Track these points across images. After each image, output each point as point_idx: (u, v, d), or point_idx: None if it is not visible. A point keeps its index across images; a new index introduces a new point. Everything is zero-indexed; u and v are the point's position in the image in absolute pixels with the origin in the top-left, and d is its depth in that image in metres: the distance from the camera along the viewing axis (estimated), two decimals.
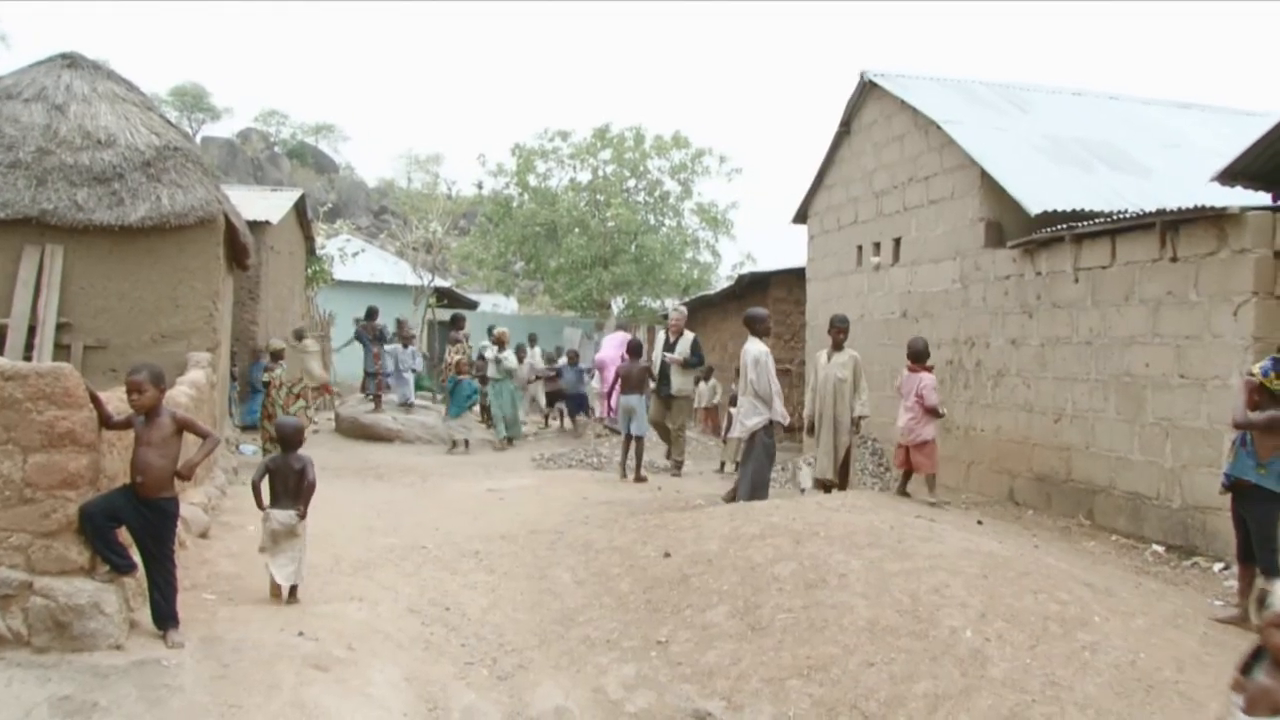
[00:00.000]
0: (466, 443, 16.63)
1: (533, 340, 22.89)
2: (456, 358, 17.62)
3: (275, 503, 6.83)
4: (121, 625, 5.44)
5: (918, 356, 10.62)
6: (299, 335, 18.07)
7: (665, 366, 13.90)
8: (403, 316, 23.57)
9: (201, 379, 9.52)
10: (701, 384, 19.55)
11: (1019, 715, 5.32)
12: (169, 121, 11.97)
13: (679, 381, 13.80)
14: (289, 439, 7.02)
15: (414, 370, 19.37)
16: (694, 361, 14.10)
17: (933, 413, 10.44)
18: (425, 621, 6.71)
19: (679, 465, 14.29)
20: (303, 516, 6.75)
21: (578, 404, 19.53)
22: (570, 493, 11.76)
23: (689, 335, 14.14)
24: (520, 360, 18.10)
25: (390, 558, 8.25)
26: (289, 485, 6.83)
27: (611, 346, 17.60)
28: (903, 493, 10.56)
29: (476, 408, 17.96)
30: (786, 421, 10.75)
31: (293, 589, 6.72)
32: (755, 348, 10.84)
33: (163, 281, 10.64)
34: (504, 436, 17.42)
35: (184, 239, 10.67)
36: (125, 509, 5.61)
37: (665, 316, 29.12)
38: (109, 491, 5.65)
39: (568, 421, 20.01)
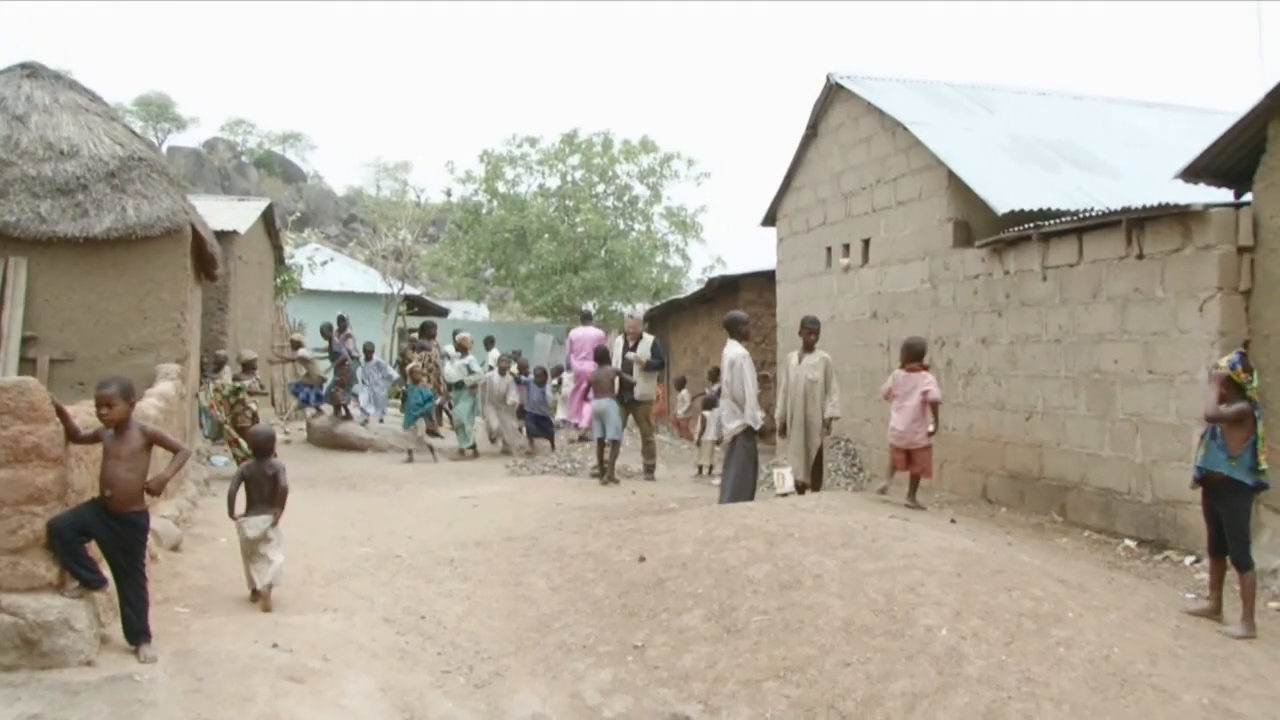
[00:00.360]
0: (431, 450, 16.42)
1: (489, 344, 22.76)
2: (411, 364, 17.49)
3: (250, 509, 7.00)
4: (92, 641, 5.38)
5: (917, 355, 10.42)
6: (296, 344, 18.80)
7: (628, 372, 13.99)
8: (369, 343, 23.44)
9: (170, 391, 9.45)
10: (680, 393, 19.53)
11: (995, 712, 5.34)
12: (133, 132, 11.90)
13: (642, 386, 13.93)
14: (262, 446, 7.23)
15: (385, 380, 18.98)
16: (655, 364, 14.21)
17: (936, 409, 10.30)
18: (400, 631, 6.68)
19: (651, 469, 14.35)
20: (276, 521, 6.92)
21: (539, 424, 17.44)
22: (544, 499, 11.74)
23: (648, 339, 14.24)
24: (501, 372, 17.34)
25: (365, 567, 8.21)
26: (263, 492, 7.03)
27: (587, 344, 16.97)
28: (912, 499, 10.26)
29: (433, 415, 17.60)
30: (759, 425, 10.72)
31: (254, 591, 6.88)
32: (733, 350, 10.81)
33: (130, 293, 10.56)
34: (467, 445, 16.96)
35: (150, 250, 10.60)
36: (95, 523, 5.56)
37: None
38: (78, 506, 5.59)
39: (522, 440, 17.69)
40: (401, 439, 17.09)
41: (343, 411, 18.15)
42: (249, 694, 5.26)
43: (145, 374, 10.07)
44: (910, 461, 10.35)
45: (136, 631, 5.61)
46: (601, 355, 13.97)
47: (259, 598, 6.87)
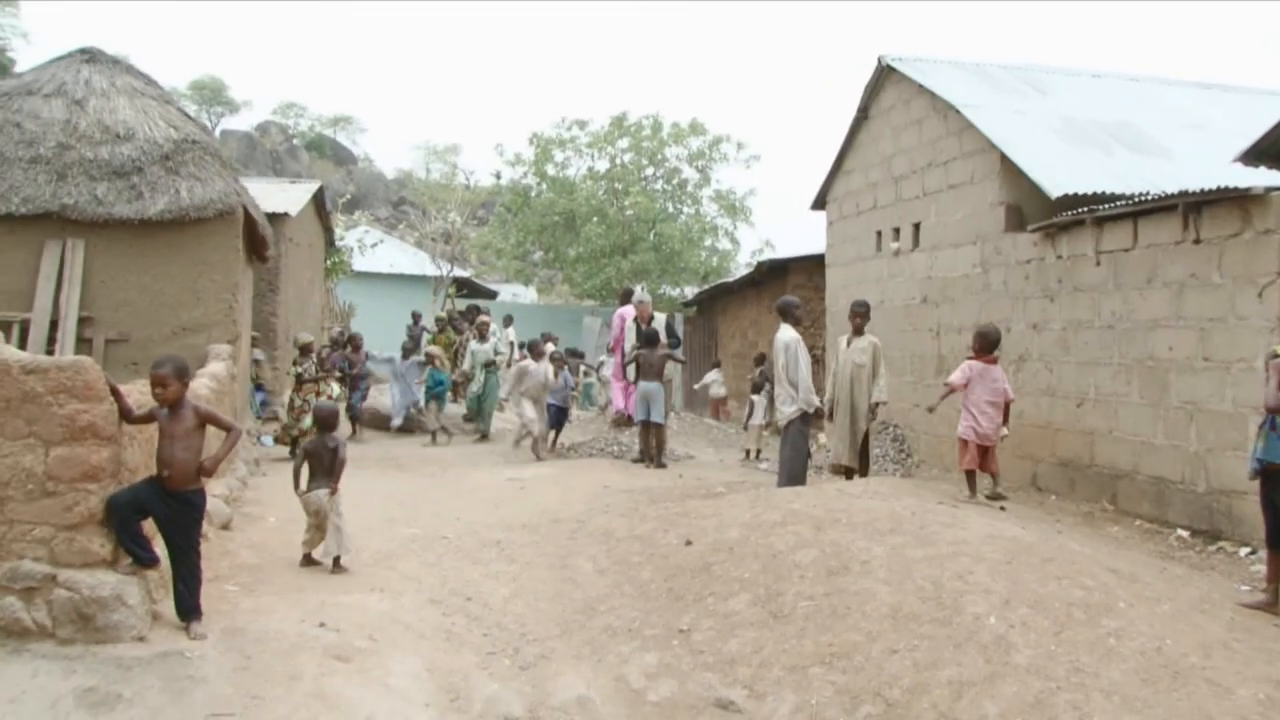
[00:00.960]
0: (447, 431, 16.46)
1: (507, 322, 22.91)
2: (428, 349, 17.59)
3: (313, 483, 7.41)
4: (144, 617, 5.46)
5: (992, 345, 9.88)
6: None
7: (637, 358, 13.83)
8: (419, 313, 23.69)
9: (222, 371, 9.56)
10: (711, 374, 19.41)
11: (1044, 702, 5.28)
12: (187, 115, 12.02)
13: (680, 360, 13.90)
14: (325, 421, 7.75)
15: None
16: (674, 343, 14.18)
17: (1008, 409, 9.91)
18: (447, 612, 6.71)
19: (661, 454, 13.93)
20: (334, 492, 7.32)
21: (557, 417, 15.67)
22: (590, 481, 11.75)
23: (660, 318, 14.18)
24: (537, 357, 15.62)
25: (412, 548, 8.27)
26: (324, 464, 7.43)
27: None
28: (996, 495, 9.90)
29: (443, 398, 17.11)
30: (813, 409, 10.66)
31: (336, 560, 7.29)
32: (786, 334, 10.76)
33: (183, 274, 10.69)
34: (486, 429, 16.94)
35: (203, 232, 10.72)
36: (152, 501, 5.64)
37: (686, 305, 29.20)
38: (136, 484, 5.67)
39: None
40: (450, 421, 17.17)
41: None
42: (296, 672, 5.31)
43: (197, 354, 10.19)
44: (986, 460, 9.87)
45: (188, 609, 5.68)
46: (650, 338, 13.83)
47: (336, 568, 7.30)
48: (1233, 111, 15.04)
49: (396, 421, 17.36)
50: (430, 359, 17.00)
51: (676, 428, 15.85)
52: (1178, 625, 6.24)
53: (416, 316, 22.86)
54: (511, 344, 22.35)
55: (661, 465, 13.28)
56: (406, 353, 17.98)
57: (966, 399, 9.78)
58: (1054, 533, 8.53)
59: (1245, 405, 8.87)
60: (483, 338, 17.48)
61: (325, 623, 6.09)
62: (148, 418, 5.76)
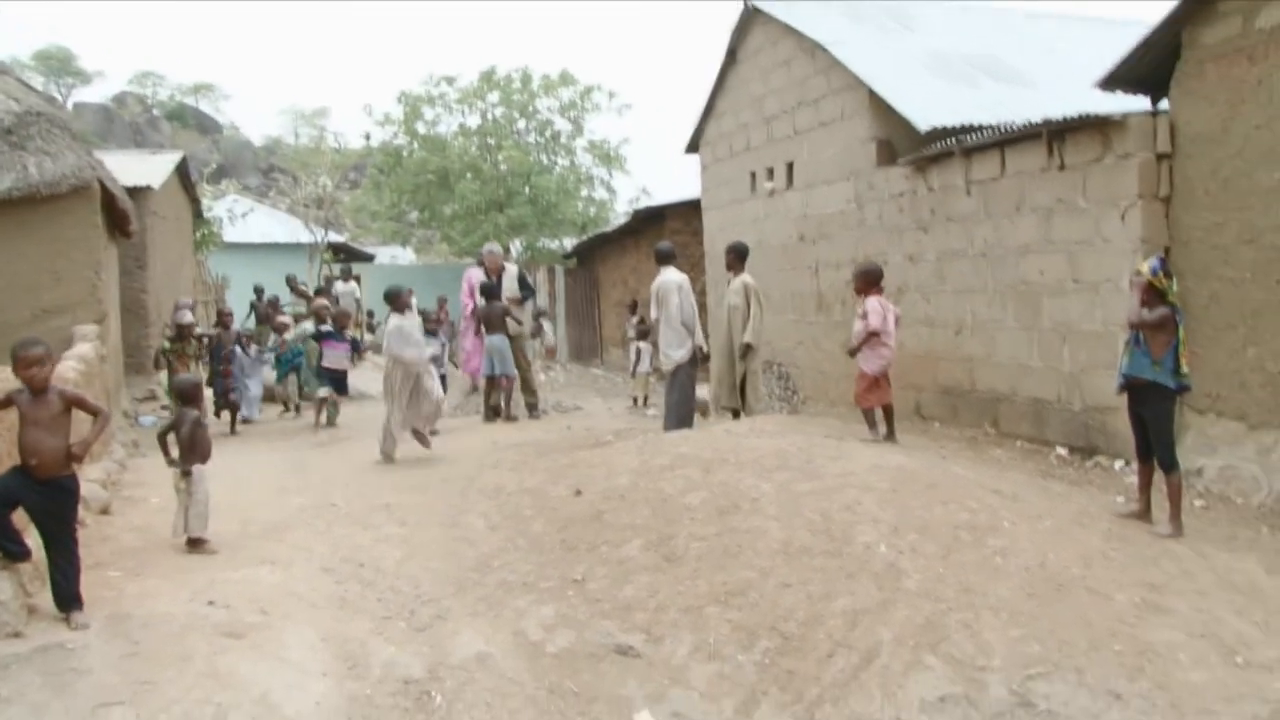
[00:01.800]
0: (296, 408, 15.61)
1: (346, 275, 23.01)
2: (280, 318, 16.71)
3: (183, 458, 7.19)
4: (19, 612, 5.25)
5: (875, 280, 9.70)
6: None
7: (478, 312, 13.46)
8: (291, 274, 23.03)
9: (90, 352, 9.23)
10: (544, 324, 18.98)
11: (935, 623, 5.41)
12: (29, 86, 11.50)
13: (518, 319, 13.40)
14: (184, 393, 7.55)
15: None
16: (527, 295, 13.93)
17: (873, 337, 9.50)
18: (339, 579, 6.59)
19: (534, 407, 13.77)
20: (187, 472, 7.10)
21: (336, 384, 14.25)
22: (479, 438, 11.66)
23: (512, 269, 13.82)
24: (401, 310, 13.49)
25: (301, 517, 8.11)
26: (182, 440, 7.20)
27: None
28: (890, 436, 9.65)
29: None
30: (704, 350, 10.71)
31: (190, 540, 7.06)
32: (676, 276, 10.78)
33: (39, 254, 10.24)
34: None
35: (58, 209, 10.27)
36: (21, 491, 5.41)
37: (566, 256, 29.05)
38: (2, 475, 5.43)
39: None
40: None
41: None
42: (187, 653, 5.17)
43: (62, 336, 9.81)
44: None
45: (68, 598, 5.48)
46: (489, 290, 13.38)
47: (193, 547, 7.02)
48: (1092, 41, 15.38)
49: (249, 413, 15.11)
50: (281, 328, 15.96)
51: (549, 380, 15.78)
52: (1059, 540, 6.45)
53: (259, 290, 21.31)
54: (357, 301, 21.98)
55: (512, 419, 13.09)
56: (246, 342, 15.22)
57: (882, 336, 9.51)
58: (939, 459, 8.72)
59: (1114, 324, 9.14)
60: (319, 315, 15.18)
61: (215, 600, 5.94)
62: (6, 403, 5.52)
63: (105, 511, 7.83)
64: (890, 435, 9.60)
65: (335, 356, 14.00)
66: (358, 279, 23.81)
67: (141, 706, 4.65)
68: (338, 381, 14.06)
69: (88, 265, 10.42)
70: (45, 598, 5.54)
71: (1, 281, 10.12)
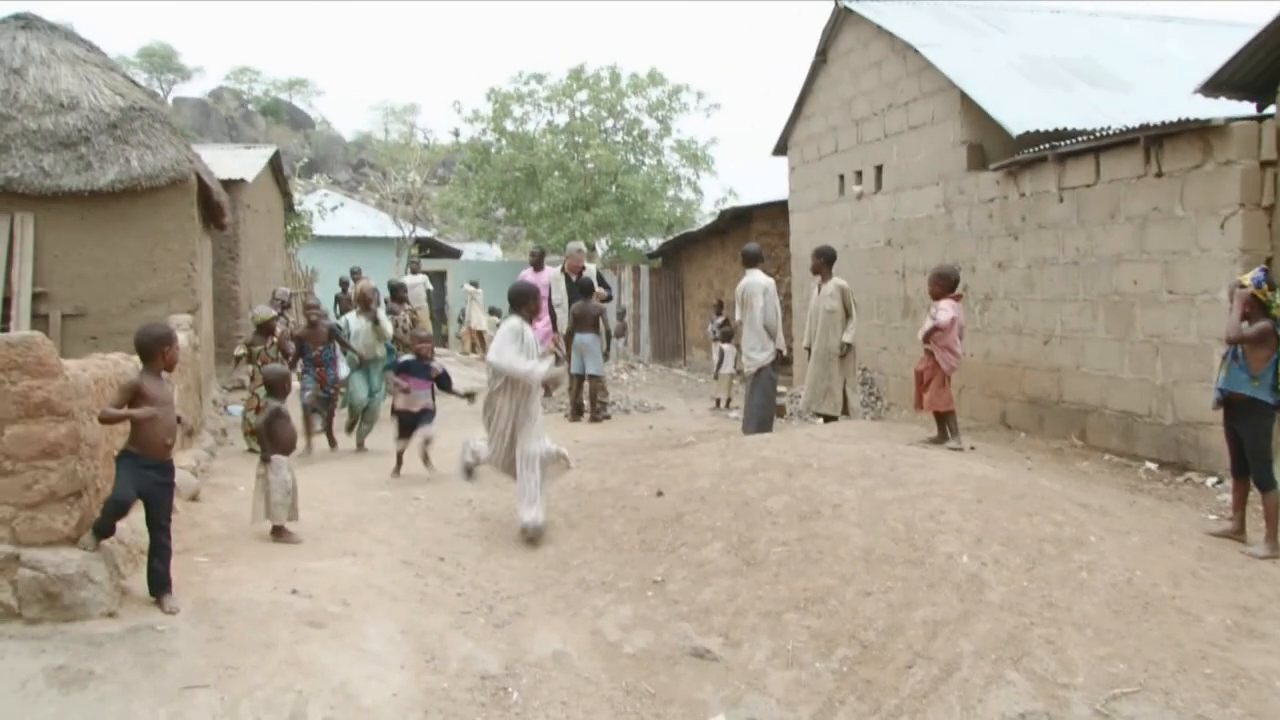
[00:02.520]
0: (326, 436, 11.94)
1: (414, 269, 22.67)
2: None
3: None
4: (112, 593, 5.39)
5: (953, 286, 9.63)
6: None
7: (572, 310, 13.46)
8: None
9: (184, 342, 9.41)
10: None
11: (1018, 638, 5.31)
12: (133, 82, 11.78)
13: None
14: (272, 385, 7.73)
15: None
16: (608, 295, 14.03)
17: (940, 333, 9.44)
18: (420, 573, 6.68)
19: (604, 406, 13.64)
20: (265, 460, 7.25)
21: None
22: (560, 436, 11.68)
23: (591, 268, 13.89)
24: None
25: (383, 510, 8.22)
26: (267, 430, 7.39)
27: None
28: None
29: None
30: (786, 353, 10.72)
31: (274, 529, 7.19)
32: (762, 279, 10.78)
33: (138, 245, 10.51)
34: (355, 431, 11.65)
35: (157, 201, 10.53)
36: (142, 482, 5.55)
37: (651, 256, 29.06)
38: (123, 474, 5.54)
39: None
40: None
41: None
42: (270, 640, 5.27)
43: None
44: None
45: (165, 582, 5.61)
46: (585, 288, 13.43)
47: (277, 535, 7.17)
48: (1192, 43, 15.04)
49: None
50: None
51: (631, 380, 15.76)
52: (1147, 556, 6.29)
53: (345, 283, 19.93)
54: (428, 292, 21.90)
55: (604, 418, 13.14)
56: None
57: (949, 336, 9.46)
58: (1024, 470, 8.57)
59: (1209, 337, 8.91)
60: (366, 307, 11.77)
61: (298, 589, 6.04)
62: (137, 390, 5.55)
63: (195, 498, 7.99)
64: (943, 438, 9.53)
65: (413, 398, 9.99)
66: (442, 275, 23.90)
67: (226, 690, 4.75)
68: (408, 423, 9.97)
69: (184, 256, 10.66)
70: (136, 580, 5.68)
71: (101, 271, 10.39)
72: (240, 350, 11.49)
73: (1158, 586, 5.86)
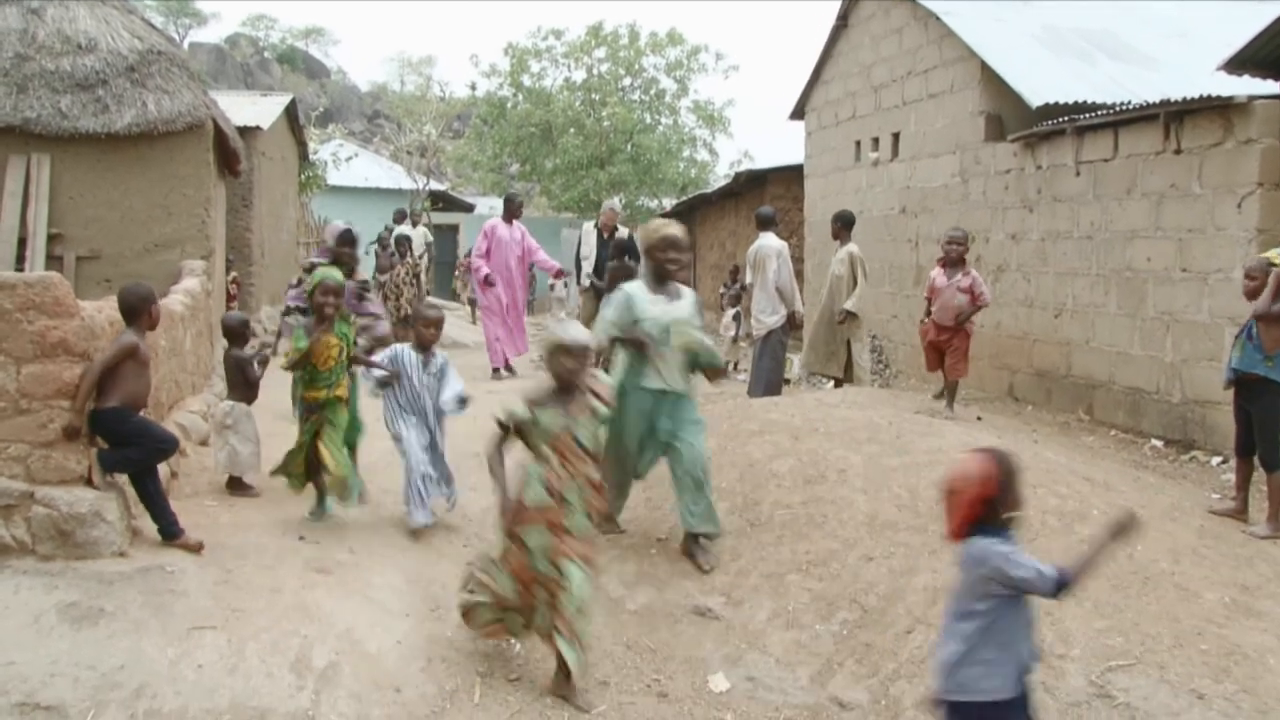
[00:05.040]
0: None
1: (400, 218, 20.76)
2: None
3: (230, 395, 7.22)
4: (124, 533, 5.46)
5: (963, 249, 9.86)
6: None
7: (602, 263, 12.90)
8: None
9: (197, 287, 9.47)
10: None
11: None
12: (152, 25, 11.71)
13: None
14: (231, 332, 7.33)
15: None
16: (635, 261, 13.75)
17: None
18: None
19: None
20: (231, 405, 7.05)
21: None
22: None
23: (624, 231, 13.64)
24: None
25: (390, 460, 8.25)
26: (229, 377, 7.25)
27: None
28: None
29: None
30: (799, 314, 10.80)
31: (230, 479, 6.97)
32: (776, 242, 10.79)
33: (153, 189, 10.50)
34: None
35: (173, 146, 10.51)
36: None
37: (663, 216, 29.00)
38: (141, 421, 5.66)
39: None
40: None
41: None
42: (277, 585, 5.34)
43: (170, 271, 10.07)
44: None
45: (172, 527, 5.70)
46: (621, 248, 13.22)
47: (234, 489, 6.95)
48: (1216, 19, 14.87)
49: None
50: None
51: None
52: (1149, 532, 6.31)
53: (382, 240, 19.18)
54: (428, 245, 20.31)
55: None
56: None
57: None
58: (1030, 442, 8.60)
59: (1221, 316, 8.90)
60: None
61: (305, 536, 6.12)
62: (134, 349, 5.58)
63: (204, 443, 8.06)
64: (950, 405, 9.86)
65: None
66: (455, 229, 22.83)
67: (232, 632, 4.82)
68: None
69: (198, 202, 10.65)
70: (147, 521, 5.74)
71: (116, 214, 10.40)
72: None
73: (1158, 562, 5.90)
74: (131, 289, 5.75)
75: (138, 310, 5.66)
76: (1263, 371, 6.77)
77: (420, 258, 18.26)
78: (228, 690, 4.46)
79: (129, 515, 5.64)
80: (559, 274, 14.14)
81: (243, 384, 7.15)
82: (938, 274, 9.92)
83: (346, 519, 6.58)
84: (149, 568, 5.28)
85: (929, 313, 9.98)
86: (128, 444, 5.55)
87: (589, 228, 13.46)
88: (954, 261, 9.77)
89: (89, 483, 5.42)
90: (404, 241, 15.62)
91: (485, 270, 12.57)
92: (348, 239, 8.60)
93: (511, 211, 13.27)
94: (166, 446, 5.73)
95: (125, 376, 5.48)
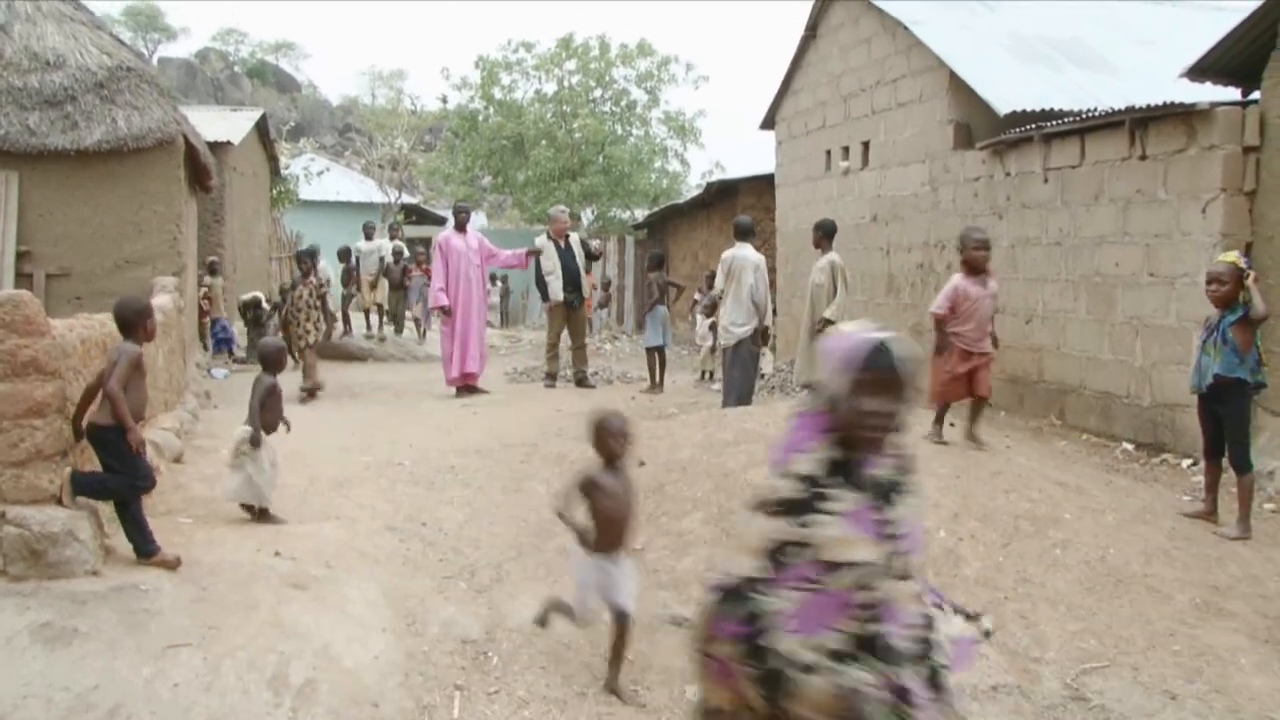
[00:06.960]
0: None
1: (369, 233, 18.91)
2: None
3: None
4: (97, 552, 5.42)
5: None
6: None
7: (575, 273, 13.49)
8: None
9: (169, 304, 9.42)
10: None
11: (992, 612, 5.39)
12: (121, 41, 11.71)
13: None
14: (268, 359, 7.23)
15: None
16: (596, 257, 14.15)
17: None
18: (402, 538, 6.73)
19: (585, 376, 14.16)
20: (255, 441, 6.78)
21: None
22: (543, 406, 11.77)
23: (575, 236, 13.88)
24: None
25: (366, 475, 8.26)
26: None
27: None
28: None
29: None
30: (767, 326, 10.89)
31: (248, 507, 6.81)
32: (753, 255, 10.84)
33: (123, 206, 10.48)
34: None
35: (143, 162, 10.49)
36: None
37: (636, 227, 29.04)
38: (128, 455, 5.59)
39: None
40: (401, 349, 17.12)
41: None
42: (252, 601, 5.31)
43: (142, 287, 10.02)
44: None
45: (148, 546, 5.66)
46: (657, 261, 13.92)
47: (257, 517, 6.80)
48: (1180, 26, 15.05)
49: None
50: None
51: (614, 350, 15.84)
52: (1121, 535, 6.39)
53: (398, 253, 18.85)
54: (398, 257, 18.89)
55: (589, 387, 13.51)
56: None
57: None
58: (1003, 448, 8.65)
59: (1189, 320, 8.99)
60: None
61: (280, 552, 6.09)
62: (139, 362, 5.61)
63: (178, 460, 8.02)
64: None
65: None
66: (426, 243, 22.61)
67: (209, 650, 4.79)
68: None
69: (169, 218, 10.63)
70: (120, 539, 5.70)
71: (87, 231, 10.37)
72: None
73: (1130, 565, 5.96)
74: (128, 302, 5.76)
75: (134, 324, 5.65)
76: (1241, 374, 6.83)
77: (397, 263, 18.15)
78: (204, 709, 4.43)
79: (102, 534, 5.59)
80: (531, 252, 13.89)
81: (274, 410, 6.95)
82: (966, 284, 8.45)
83: (323, 534, 6.55)
84: (123, 586, 5.23)
85: (945, 340, 8.49)
86: (115, 469, 5.53)
87: (543, 241, 13.53)
88: (979, 268, 8.56)
89: (60, 502, 5.38)
90: (306, 258, 13.98)
91: (444, 301, 12.65)
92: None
93: (461, 222, 13.55)
94: (144, 485, 5.68)
95: (128, 388, 5.48)
